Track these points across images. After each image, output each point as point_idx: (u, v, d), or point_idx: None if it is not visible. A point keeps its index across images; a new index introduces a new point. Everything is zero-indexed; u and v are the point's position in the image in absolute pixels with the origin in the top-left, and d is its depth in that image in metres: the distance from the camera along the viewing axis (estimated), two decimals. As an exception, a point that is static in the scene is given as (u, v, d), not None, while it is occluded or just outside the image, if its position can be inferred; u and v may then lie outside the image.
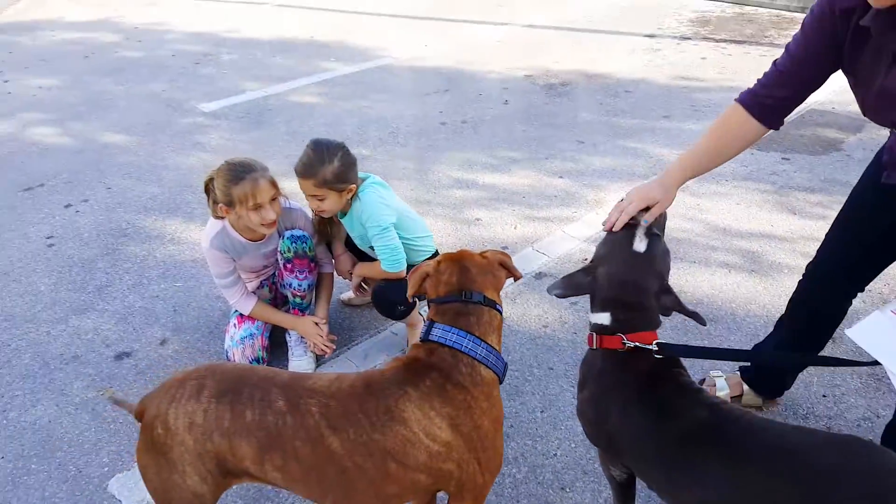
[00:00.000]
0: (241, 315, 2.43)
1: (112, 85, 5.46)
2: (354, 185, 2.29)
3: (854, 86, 1.50)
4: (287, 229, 2.38)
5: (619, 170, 3.90)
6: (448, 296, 1.53)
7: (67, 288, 2.92)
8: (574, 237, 3.25)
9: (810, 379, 2.33)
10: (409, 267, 2.39)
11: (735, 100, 1.64)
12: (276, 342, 2.54)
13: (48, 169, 4.03)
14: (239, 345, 2.36)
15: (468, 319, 1.50)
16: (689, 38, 6.35)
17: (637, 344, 1.48)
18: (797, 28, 1.51)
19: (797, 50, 1.51)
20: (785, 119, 1.61)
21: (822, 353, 2.10)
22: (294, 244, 2.34)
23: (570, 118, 4.63)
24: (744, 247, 3.08)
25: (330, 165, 2.19)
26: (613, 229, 1.58)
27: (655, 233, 1.56)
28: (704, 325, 1.51)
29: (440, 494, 1.82)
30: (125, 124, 4.67)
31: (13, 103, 5.10)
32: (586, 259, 3.01)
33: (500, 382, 1.52)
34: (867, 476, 1.17)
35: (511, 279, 1.67)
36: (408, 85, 5.42)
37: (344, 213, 2.42)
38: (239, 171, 2.13)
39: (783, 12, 7.25)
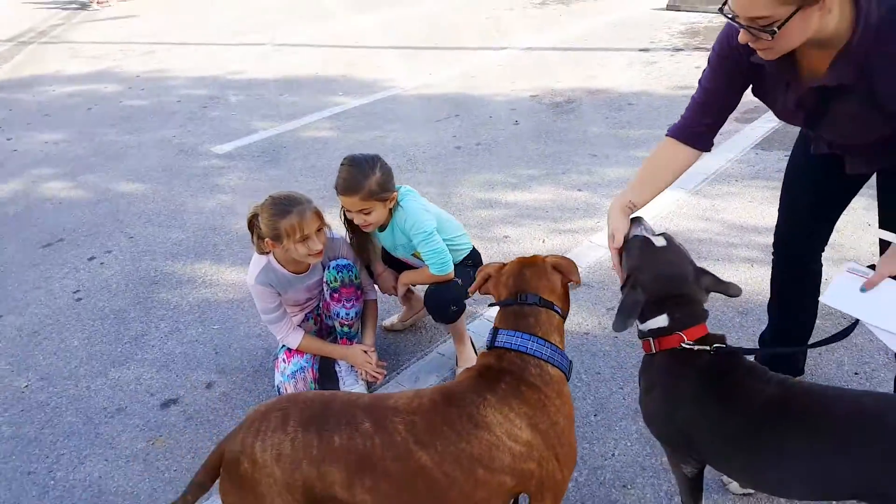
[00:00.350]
0: (290, 349, 2.41)
1: (120, 134, 5.49)
2: (395, 193, 2.31)
3: (765, 104, 1.66)
4: (331, 259, 2.37)
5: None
6: (507, 299, 1.60)
7: (102, 341, 2.90)
8: (601, 245, 3.27)
9: (841, 358, 2.38)
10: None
11: (666, 134, 1.77)
12: (325, 373, 2.52)
13: (66, 223, 4.03)
14: (290, 379, 2.34)
15: (528, 321, 1.55)
16: (681, 50, 6.45)
17: (696, 346, 1.51)
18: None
19: (708, 83, 1.67)
20: (712, 141, 1.76)
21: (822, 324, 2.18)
22: (340, 273, 2.33)
23: (579, 133, 4.67)
24: (762, 241, 3.10)
25: (373, 176, 2.21)
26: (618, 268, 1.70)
27: (662, 232, 1.66)
28: (739, 293, 1.58)
29: None
30: (139, 172, 4.69)
31: (21, 160, 5.13)
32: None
33: (567, 379, 1.56)
34: None
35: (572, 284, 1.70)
36: (418, 113, 5.48)
37: (382, 228, 2.42)
38: (285, 205, 2.14)
39: (772, 16, 7.39)
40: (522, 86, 5.83)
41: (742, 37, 1.37)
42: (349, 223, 2.42)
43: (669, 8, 8.16)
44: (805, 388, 1.44)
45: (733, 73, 1.60)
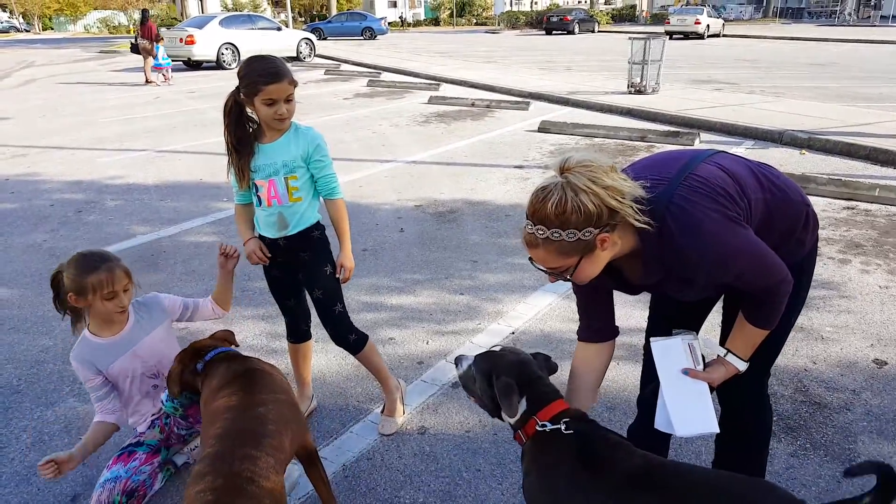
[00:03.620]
0: (119, 455, 2.32)
1: (-16, 239, 5.17)
2: None
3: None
4: (181, 319, 2.48)
5: (512, 283, 4.23)
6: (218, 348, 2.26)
7: (-51, 456, 2.64)
8: (482, 346, 3.44)
9: (699, 449, 2.54)
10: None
11: (578, 340, 1.98)
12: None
13: (-87, 331, 3.68)
14: (100, 487, 2.23)
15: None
16: (551, 168, 7.10)
17: (549, 426, 1.69)
18: (639, 154, 1.90)
19: (578, 293, 1.93)
20: (615, 327, 1.97)
21: None
22: (174, 402, 2.31)
23: (461, 241, 4.98)
24: (626, 341, 3.34)
25: (287, 66, 2.36)
26: None
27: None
28: (556, 368, 1.90)
29: None
30: (5, 278, 4.41)
31: None
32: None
33: None
34: None
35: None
36: (304, 220, 5.58)
37: (273, 138, 2.47)
38: (94, 261, 2.16)
39: (626, 141, 8.35)
40: (408, 196, 6.16)
41: (550, 278, 1.68)
42: (235, 142, 2.46)
43: (541, 130, 9.03)
44: (661, 462, 1.63)
45: (589, 283, 1.79)
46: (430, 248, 4.87)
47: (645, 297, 2.15)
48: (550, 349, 3.40)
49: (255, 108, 2.37)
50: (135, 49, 14.91)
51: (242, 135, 2.46)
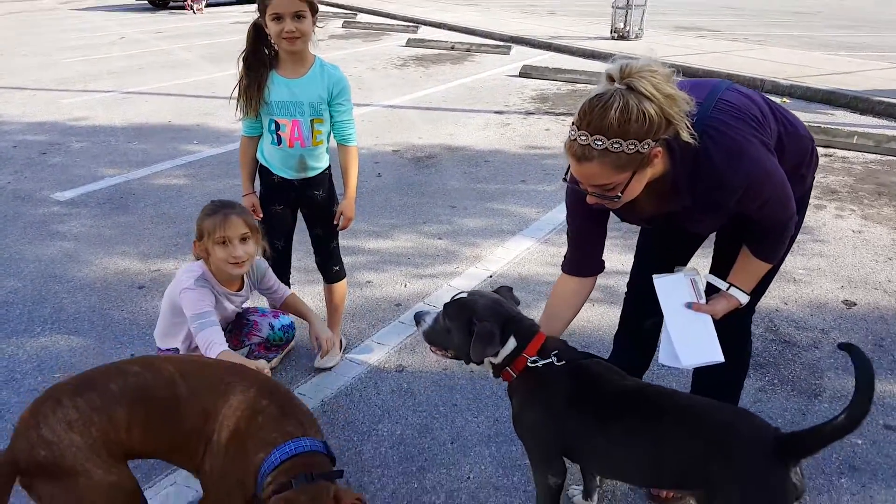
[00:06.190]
0: None
1: (-57, 180, 4.97)
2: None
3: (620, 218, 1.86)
4: (262, 290, 2.42)
5: (490, 228, 4.20)
6: None
7: (-85, 397, 2.58)
8: (459, 289, 3.42)
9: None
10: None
11: (562, 271, 1.94)
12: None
13: None
14: None
15: None
16: (532, 113, 7.01)
17: (539, 360, 1.70)
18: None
19: (573, 223, 1.87)
20: (602, 261, 1.92)
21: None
22: (286, 334, 2.44)
23: (439, 187, 4.91)
24: (601, 283, 3.36)
25: None
26: None
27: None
28: (519, 301, 1.92)
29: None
30: (-34, 220, 4.27)
31: None
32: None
33: None
34: (752, 430, 1.49)
35: None
36: (279, 163, 5.46)
37: (298, 74, 2.41)
38: (216, 206, 2.18)
39: (607, 88, 8.26)
40: (385, 141, 6.05)
41: (590, 199, 1.58)
42: (247, 67, 2.36)
43: (522, 75, 8.87)
44: (648, 384, 1.72)
45: (588, 210, 1.73)
46: (407, 193, 4.80)
47: (624, 239, 2.14)
48: (527, 292, 3.41)
49: (267, 28, 2.29)
50: None
51: (255, 60, 2.37)
